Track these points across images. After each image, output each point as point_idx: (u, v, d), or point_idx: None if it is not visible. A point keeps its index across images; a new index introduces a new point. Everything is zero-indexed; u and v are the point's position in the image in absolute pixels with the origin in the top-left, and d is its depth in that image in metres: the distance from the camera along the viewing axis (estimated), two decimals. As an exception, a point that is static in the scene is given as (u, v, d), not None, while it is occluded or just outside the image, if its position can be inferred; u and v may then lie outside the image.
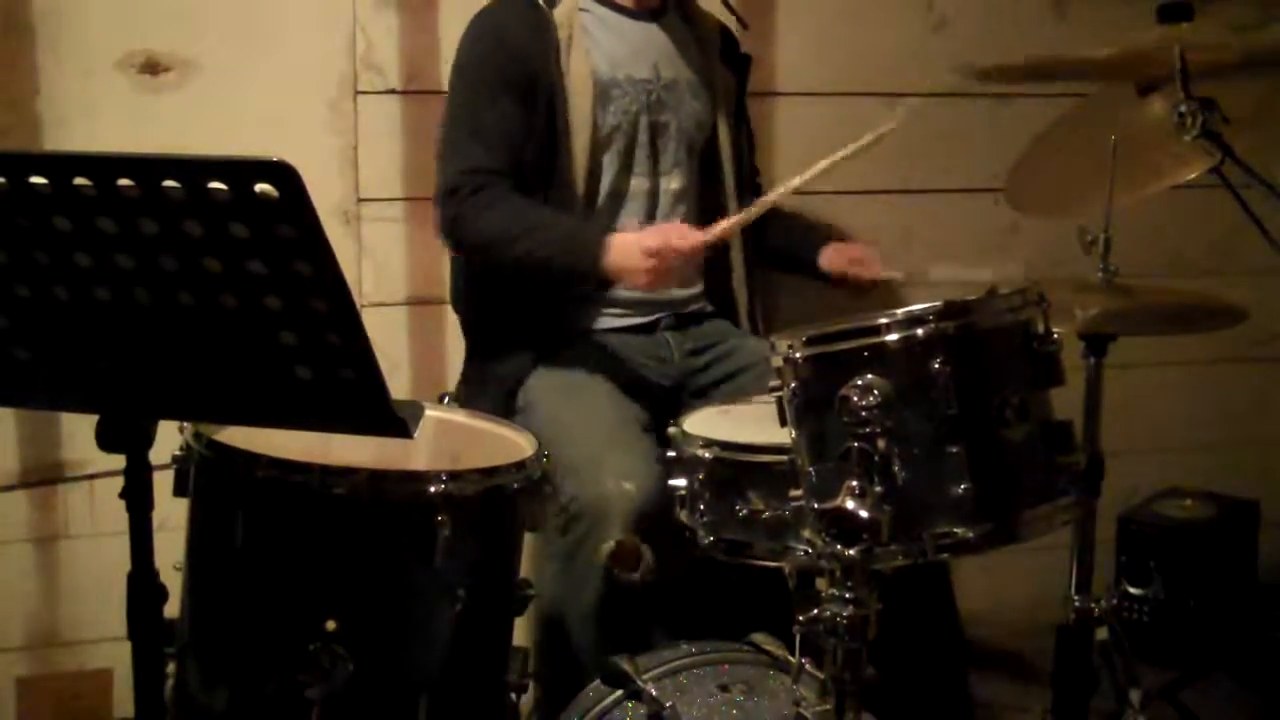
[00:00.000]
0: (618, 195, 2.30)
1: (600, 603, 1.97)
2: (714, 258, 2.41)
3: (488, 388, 2.26)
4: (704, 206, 2.41)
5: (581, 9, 2.29)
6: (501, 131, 2.22)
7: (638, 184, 2.31)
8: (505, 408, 2.21)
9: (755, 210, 2.14)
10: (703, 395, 2.28)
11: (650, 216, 2.32)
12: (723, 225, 2.12)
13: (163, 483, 1.56)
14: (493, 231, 2.18)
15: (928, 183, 2.95)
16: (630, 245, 2.10)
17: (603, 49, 2.29)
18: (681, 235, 2.10)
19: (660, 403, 2.28)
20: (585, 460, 1.94)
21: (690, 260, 2.15)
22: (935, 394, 1.50)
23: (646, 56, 2.32)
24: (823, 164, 2.06)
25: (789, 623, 1.55)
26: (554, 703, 1.90)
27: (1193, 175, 1.83)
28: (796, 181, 2.07)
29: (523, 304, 2.26)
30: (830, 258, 2.45)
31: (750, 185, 2.51)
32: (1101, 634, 1.96)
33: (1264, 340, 3.17)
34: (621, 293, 2.30)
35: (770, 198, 2.14)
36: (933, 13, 2.92)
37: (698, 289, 2.41)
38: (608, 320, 2.32)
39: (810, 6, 2.85)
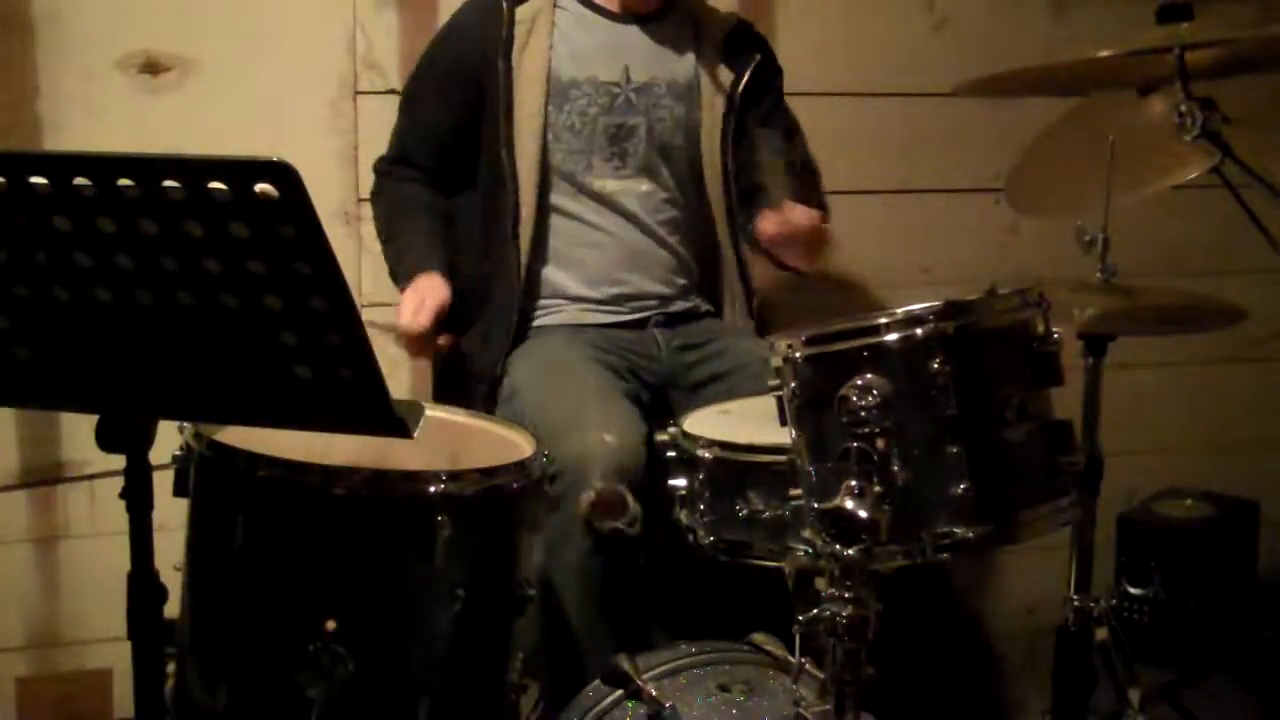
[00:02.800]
0: (576, 193, 2.31)
1: (587, 560, 1.94)
2: (705, 255, 2.42)
3: (468, 384, 2.27)
4: (691, 210, 2.41)
5: (559, 6, 2.30)
6: (425, 124, 2.37)
7: (600, 184, 2.31)
8: (486, 404, 2.21)
9: None
10: (692, 393, 2.28)
11: (620, 215, 2.32)
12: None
13: (163, 483, 1.56)
14: (377, 226, 2.42)
15: (928, 183, 2.96)
16: (406, 297, 2.20)
17: (568, 48, 2.29)
18: (414, 310, 2.16)
19: (647, 397, 2.28)
20: (565, 420, 1.94)
21: (423, 336, 2.17)
22: (935, 394, 1.51)
23: (617, 58, 2.31)
24: None
25: (789, 623, 1.55)
26: (554, 702, 1.90)
27: (1193, 175, 1.83)
28: None
29: (508, 303, 2.27)
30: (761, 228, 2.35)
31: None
32: (1101, 634, 1.96)
33: (1264, 340, 3.17)
34: (609, 289, 2.32)
35: None
36: (933, 13, 2.92)
37: (684, 283, 2.41)
38: (595, 316, 2.33)
39: (810, 6, 2.85)
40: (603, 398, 2.10)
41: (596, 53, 2.31)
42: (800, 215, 2.20)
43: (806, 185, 2.30)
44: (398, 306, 2.21)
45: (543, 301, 2.32)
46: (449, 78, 2.32)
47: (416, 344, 2.19)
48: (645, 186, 2.34)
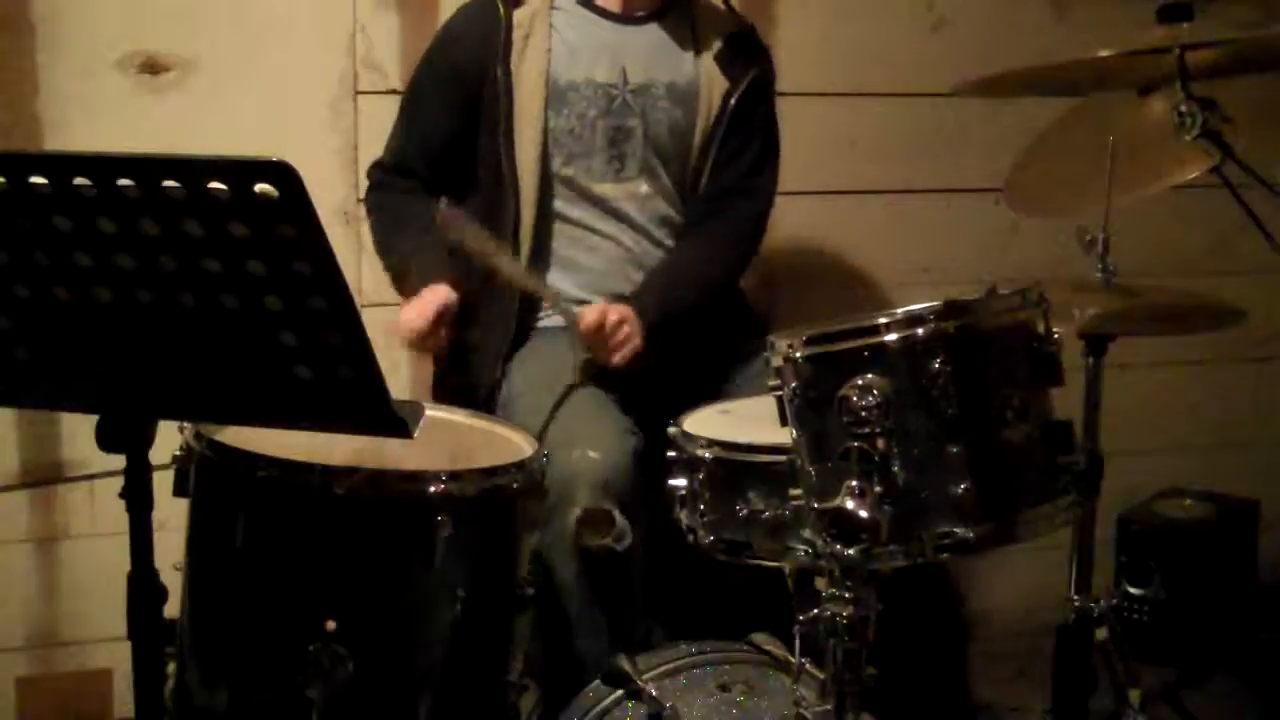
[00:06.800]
0: (576, 198, 2.29)
1: (580, 577, 1.96)
2: None
3: (468, 389, 2.27)
4: (684, 211, 2.39)
5: (555, 8, 2.28)
6: (424, 132, 2.33)
7: (601, 188, 2.30)
8: (488, 408, 2.21)
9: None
10: (692, 394, 2.27)
11: (620, 219, 2.32)
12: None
13: (163, 483, 1.56)
14: (375, 236, 2.39)
15: (928, 183, 2.96)
16: (409, 304, 2.19)
17: (566, 50, 2.27)
18: (417, 313, 2.16)
19: (643, 397, 2.27)
20: (554, 436, 1.94)
21: (426, 333, 2.16)
22: (935, 394, 1.50)
23: (615, 59, 2.29)
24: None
25: (789, 623, 1.55)
26: (554, 702, 1.90)
27: (1193, 175, 1.83)
28: None
29: (509, 308, 2.27)
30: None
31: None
32: (1101, 634, 1.97)
33: (1264, 340, 3.17)
34: (608, 295, 2.30)
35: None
36: (933, 13, 2.92)
37: None
38: None
39: (810, 6, 2.85)
40: (589, 411, 2.09)
41: (594, 54, 2.29)
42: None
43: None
44: (401, 308, 2.20)
45: (543, 304, 2.32)
46: (448, 85, 2.29)
47: (419, 341, 2.19)
48: (644, 189, 2.33)
